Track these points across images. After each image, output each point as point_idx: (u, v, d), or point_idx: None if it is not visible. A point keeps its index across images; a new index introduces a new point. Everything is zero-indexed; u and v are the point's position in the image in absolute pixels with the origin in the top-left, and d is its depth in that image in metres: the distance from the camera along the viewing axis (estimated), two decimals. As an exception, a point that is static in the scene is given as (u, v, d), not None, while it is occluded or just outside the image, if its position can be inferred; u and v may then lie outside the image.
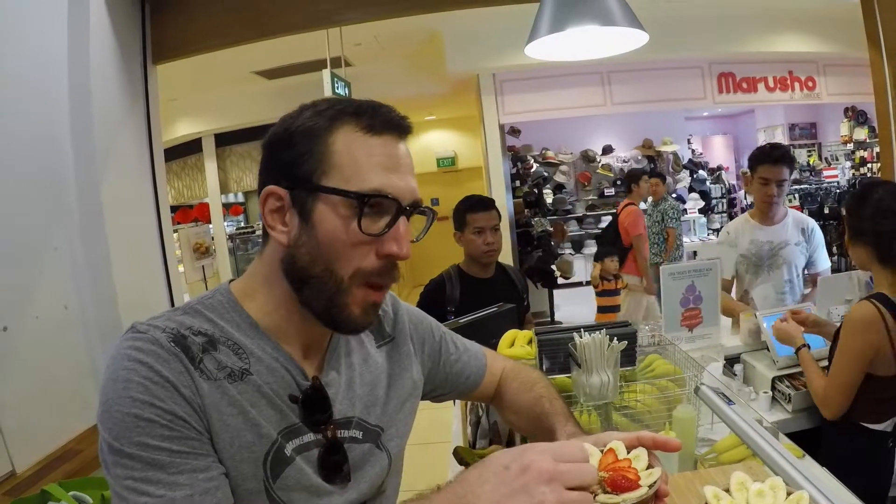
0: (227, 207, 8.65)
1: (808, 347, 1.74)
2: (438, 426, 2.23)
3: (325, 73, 4.21)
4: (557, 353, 1.39)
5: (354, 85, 4.68)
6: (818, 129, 7.97)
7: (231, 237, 7.77)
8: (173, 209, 5.02)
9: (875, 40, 2.37)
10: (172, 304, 2.59)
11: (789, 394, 1.76)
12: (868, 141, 6.85)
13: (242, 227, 8.59)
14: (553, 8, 1.60)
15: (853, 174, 7.03)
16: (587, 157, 7.88)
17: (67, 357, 2.03)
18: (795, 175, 6.85)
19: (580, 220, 7.83)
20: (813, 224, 2.50)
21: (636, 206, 4.83)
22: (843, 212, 2.03)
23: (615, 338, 1.25)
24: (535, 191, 7.19)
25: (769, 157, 2.33)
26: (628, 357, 1.35)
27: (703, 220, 7.80)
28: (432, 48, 5.64)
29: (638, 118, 7.20)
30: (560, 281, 6.57)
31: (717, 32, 5.49)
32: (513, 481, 0.55)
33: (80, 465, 1.80)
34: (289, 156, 0.71)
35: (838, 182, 7.07)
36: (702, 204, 7.84)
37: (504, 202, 5.63)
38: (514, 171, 7.04)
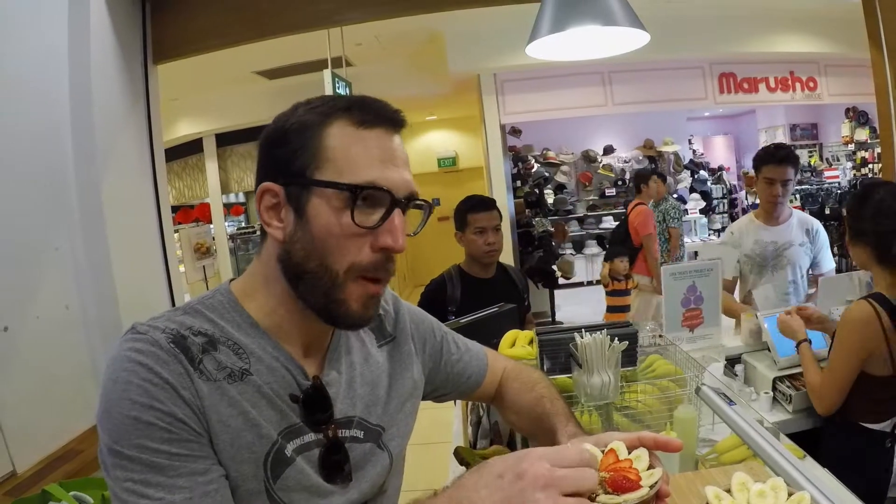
0: (227, 207, 8.64)
1: (810, 343, 1.74)
2: (439, 426, 2.23)
3: (326, 73, 4.20)
4: (558, 353, 1.38)
5: (355, 85, 4.67)
6: (819, 130, 7.96)
7: (232, 237, 7.76)
8: (174, 209, 5.03)
9: (876, 40, 2.37)
10: (173, 304, 2.59)
11: (790, 394, 1.76)
12: (869, 141, 6.84)
13: (243, 228, 8.57)
14: (554, 8, 1.60)
15: (854, 175, 7.03)
16: (588, 158, 7.88)
17: (68, 357, 2.03)
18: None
19: (581, 221, 7.84)
20: (817, 225, 2.50)
21: (646, 206, 4.81)
22: (844, 212, 2.03)
23: (616, 338, 1.25)
24: (536, 191, 7.20)
25: (774, 157, 2.33)
26: (629, 357, 1.35)
27: (704, 220, 7.81)
28: (433, 48, 5.64)
29: (639, 118, 7.20)
30: (561, 281, 6.57)
31: (718, 33, 5.48)
32: (509, 487, 0.55)
33: (80, 466, 1.80)
34: (283, 153, 0.71)
35: (839, 183, 7.07)
36: (703, 204, 7.85)
37: (505, 202, 5.62)
38: (514, 171, 7.04)
